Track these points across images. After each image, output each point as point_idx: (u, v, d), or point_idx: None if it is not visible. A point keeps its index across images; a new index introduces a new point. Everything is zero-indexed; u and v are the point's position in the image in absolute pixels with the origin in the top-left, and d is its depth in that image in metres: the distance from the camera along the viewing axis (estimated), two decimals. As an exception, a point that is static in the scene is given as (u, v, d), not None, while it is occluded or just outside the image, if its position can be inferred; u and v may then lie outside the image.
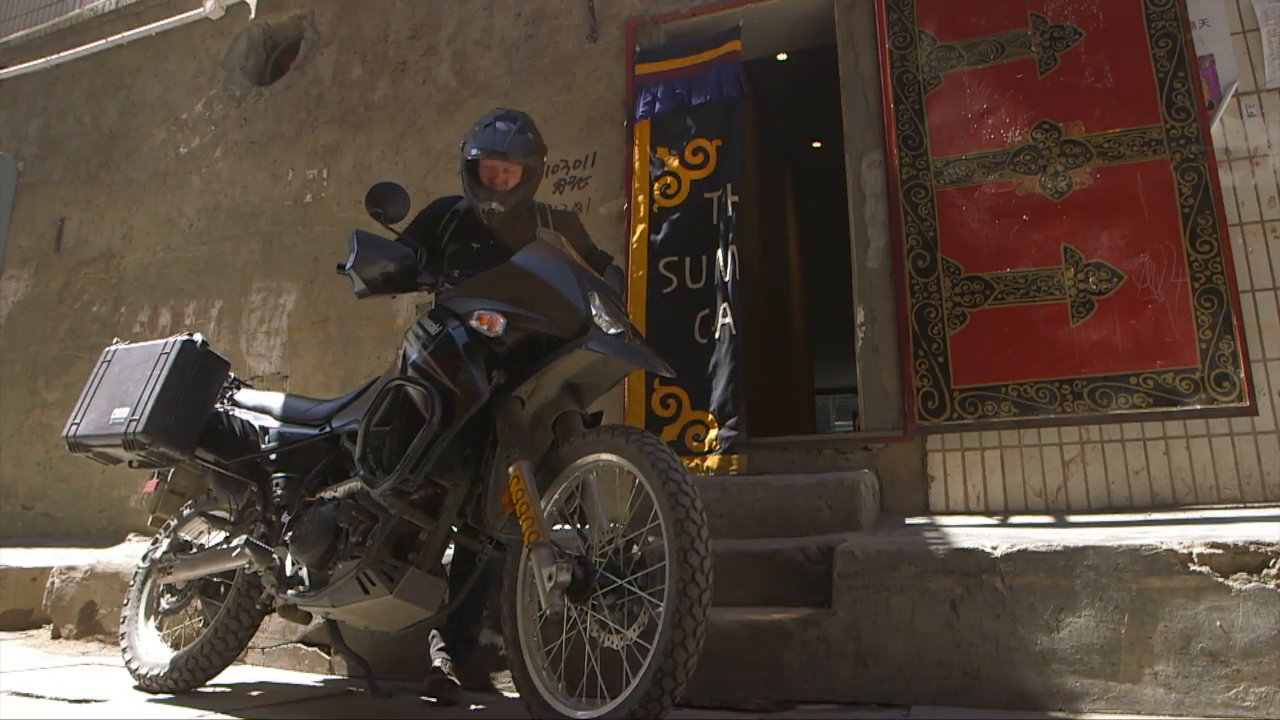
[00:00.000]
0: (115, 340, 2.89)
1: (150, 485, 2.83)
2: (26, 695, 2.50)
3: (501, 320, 2.05)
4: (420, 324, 2.24)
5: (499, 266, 2.20)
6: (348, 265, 2.23)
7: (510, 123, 2.50)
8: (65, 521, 5.05)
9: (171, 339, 2.68)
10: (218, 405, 2.71)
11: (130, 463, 2.70)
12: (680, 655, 1.67)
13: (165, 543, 2.83)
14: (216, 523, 2.75)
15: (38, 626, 3.80)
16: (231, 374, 2.81)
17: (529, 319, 2.05)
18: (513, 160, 2.46)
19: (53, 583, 3.69)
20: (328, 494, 2.34)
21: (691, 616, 1.68)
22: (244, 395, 2.79)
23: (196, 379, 2.63)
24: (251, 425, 2.65)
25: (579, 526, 2.05)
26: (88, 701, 2.44)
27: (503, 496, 2.01)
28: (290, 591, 2.33)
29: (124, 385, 2.62)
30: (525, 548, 1.92)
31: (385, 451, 2.12)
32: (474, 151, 2.46)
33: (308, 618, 2.56)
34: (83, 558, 3.78)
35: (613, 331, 2.04)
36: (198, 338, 2.69)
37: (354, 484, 2.22)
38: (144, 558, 2.89)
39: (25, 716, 2.29)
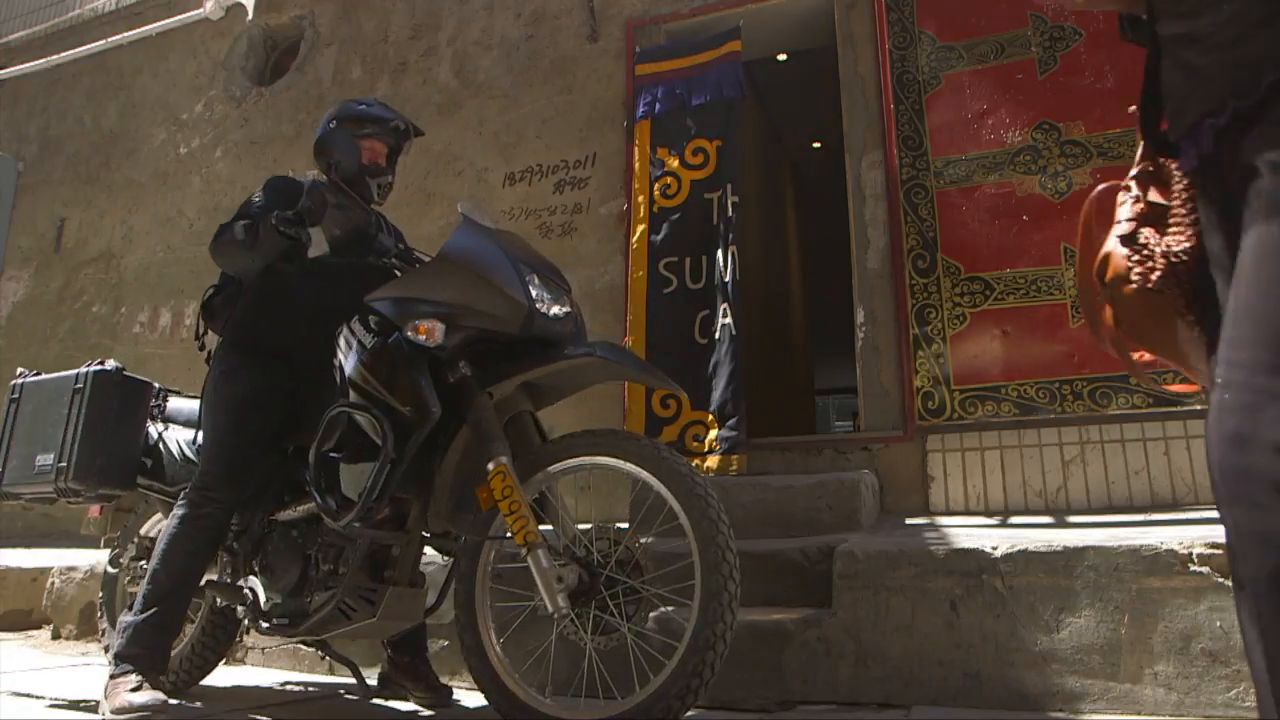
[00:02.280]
0: (21, 371, 2.65)
1: (95, 510, 2.72)
2: (26, 695, 2.49)
3: (440, 327, 1.92)
4: (351, 329, 2.10)
5: (430, 261, 2.10)
6: (310, 219, 2.07)
7: (383, 105, 2.48)
8: (65, 521, 5.05)
9: (84, 369, 2.46)
10: (150, 427, 2.54)
11: (69, 501, 2.53)
12: (709, 656, 1.69)
13: (131, 546, 2.68)
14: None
15: (38, 626, 3.80)
16: (156, 385, 2.64)
17: (470, 316, 1.93)
18: (411, 136, 2.44)
19: (53, 583, 3.69)
20: (286, 515, 2.24)
21: (722, 620, 1.70)
22: (174, 406, 2.63)
23: (120, 410, 2.43)
24: (189, 443, 2.50)
25: (553, 527, 2.00)
26: (88, 702, 2.43)
27: (479, 492, 1.90)
28: (267, 625, 2.20)
29: (40, 427, 2.42)
30: (523, 547, 1.87)
31: (342, 480, 2.01)
32: (367, 129, 2.36)
33: None
34: (83, 558, 3.78)
35: (554, 312, 1.96)
36: (111, 365, 2.49)
37: (314, 505, 2.08)
38: (111, 562, 2.75)
39: (25, 717, 2.29)
